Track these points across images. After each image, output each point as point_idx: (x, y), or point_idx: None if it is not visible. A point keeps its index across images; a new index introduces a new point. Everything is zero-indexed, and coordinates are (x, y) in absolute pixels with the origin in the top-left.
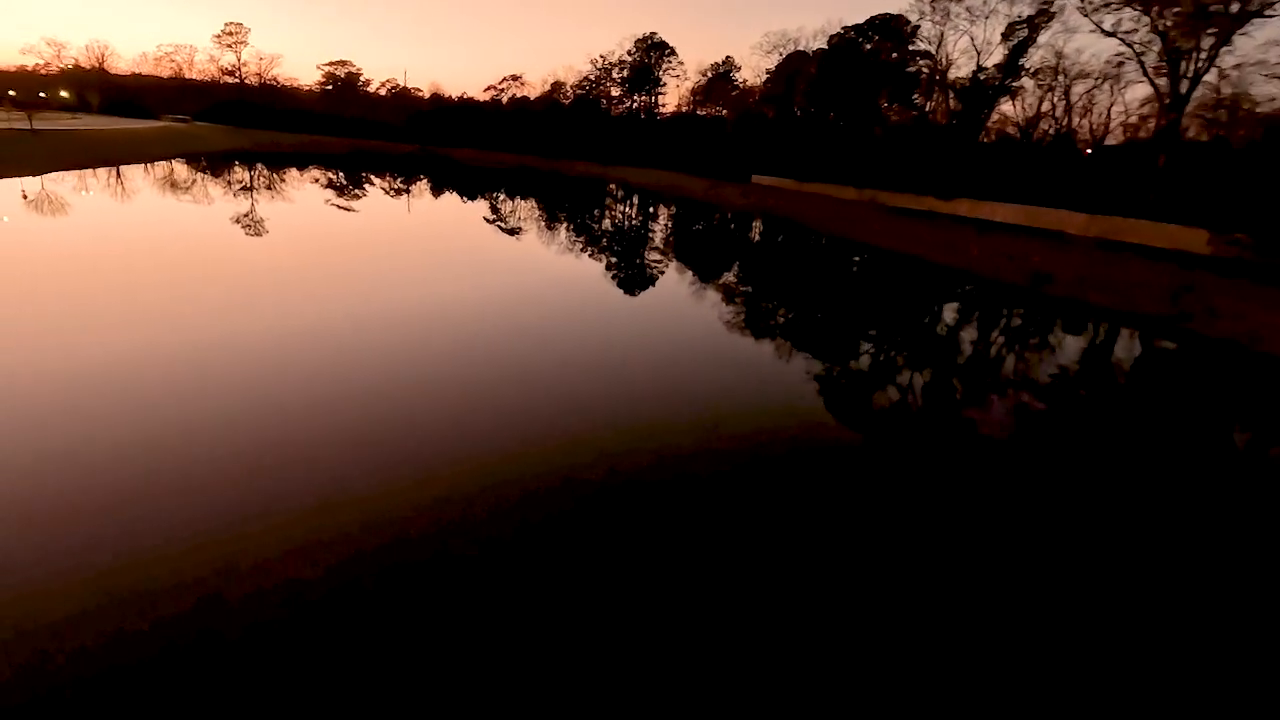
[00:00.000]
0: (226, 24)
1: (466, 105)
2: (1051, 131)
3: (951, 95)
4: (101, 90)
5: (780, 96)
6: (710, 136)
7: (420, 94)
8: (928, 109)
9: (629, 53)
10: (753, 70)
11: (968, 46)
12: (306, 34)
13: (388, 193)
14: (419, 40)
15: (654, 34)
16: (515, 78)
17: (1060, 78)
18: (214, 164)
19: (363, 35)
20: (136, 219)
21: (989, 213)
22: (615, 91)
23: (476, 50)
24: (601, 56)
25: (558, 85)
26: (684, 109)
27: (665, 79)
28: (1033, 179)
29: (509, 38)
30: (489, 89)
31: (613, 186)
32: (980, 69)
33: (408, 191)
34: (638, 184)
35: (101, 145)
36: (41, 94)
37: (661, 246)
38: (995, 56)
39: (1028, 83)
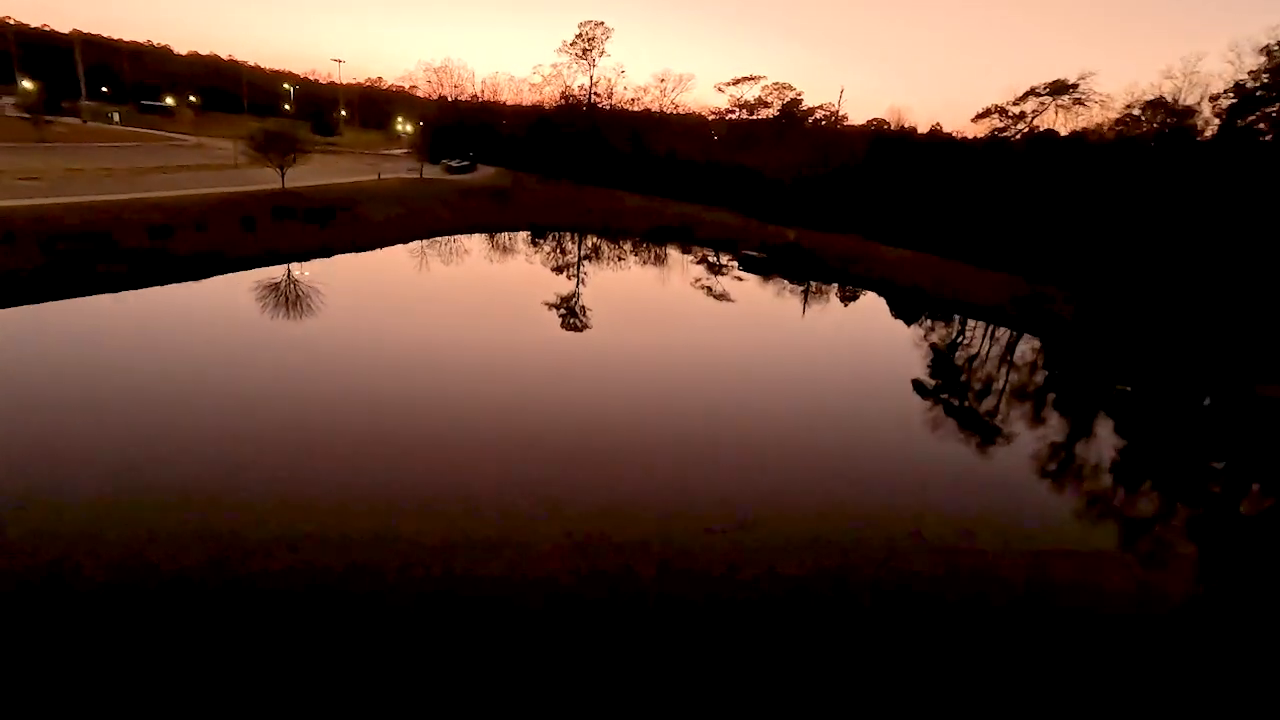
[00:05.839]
0: (581, 25)
1: (932, 143)
2: None
3: None
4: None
5: None
6: None
7: (853, 125)
8: None
9: None
10: None
11: None
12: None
13: None
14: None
15: None
16: (1064, 87)
17: None
18: None
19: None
20: None
21: None
22: None
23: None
24: None
25: (1180, 113)
26: None
27: None
28: None
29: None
30: (985, 114)
31: None
32: None
33: None
34: None
35: None
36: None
37: None
38: None
39: None
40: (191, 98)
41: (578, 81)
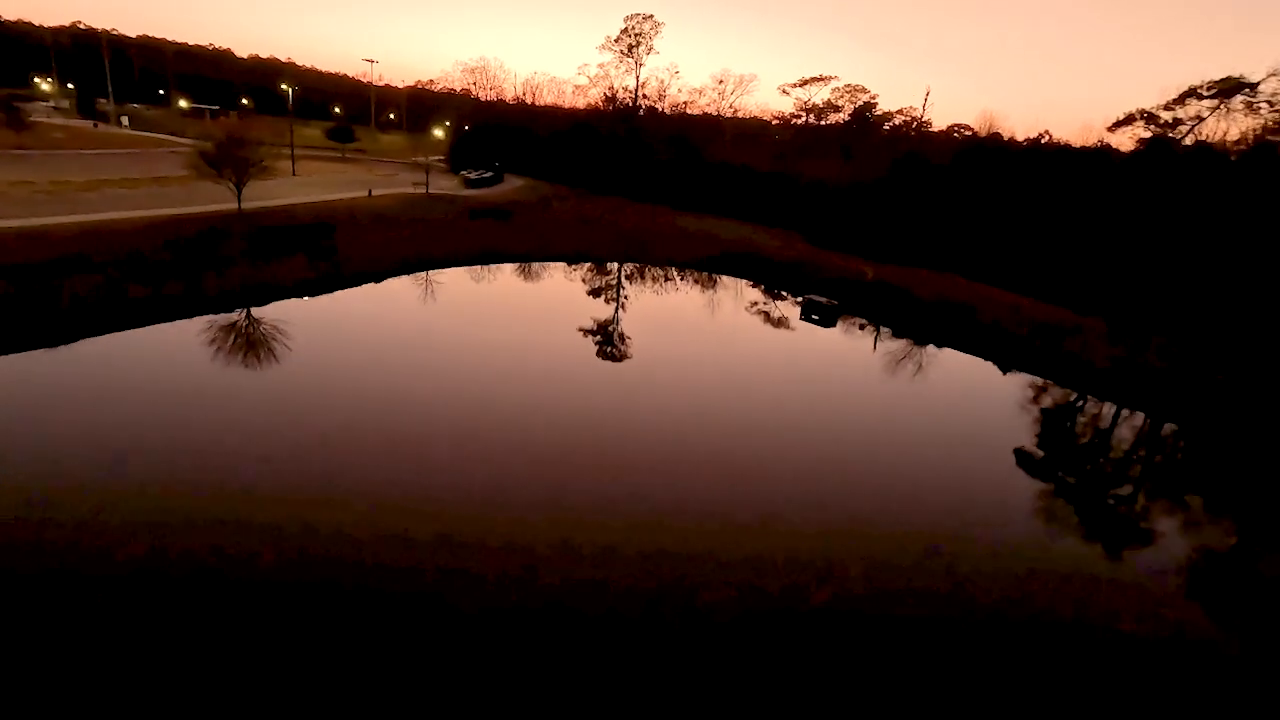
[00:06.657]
0: (627, 18)
1: (1044, 153)
2: None
3: None
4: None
5: None
6: None
7: (938, 131)
8: None
9: None
10: None
11: None
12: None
13: None
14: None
15: None
16: (1237, 86)
17: None
18: None
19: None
20: None
21: None
22: None
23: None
24: None
25: None
26: None
27: None
28: None
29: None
30: (1126, 121)
31: None
32: None
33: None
34: None
35: None
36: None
37: None
38: None
39: None
40: (243, 100)
41: (624, 82)
